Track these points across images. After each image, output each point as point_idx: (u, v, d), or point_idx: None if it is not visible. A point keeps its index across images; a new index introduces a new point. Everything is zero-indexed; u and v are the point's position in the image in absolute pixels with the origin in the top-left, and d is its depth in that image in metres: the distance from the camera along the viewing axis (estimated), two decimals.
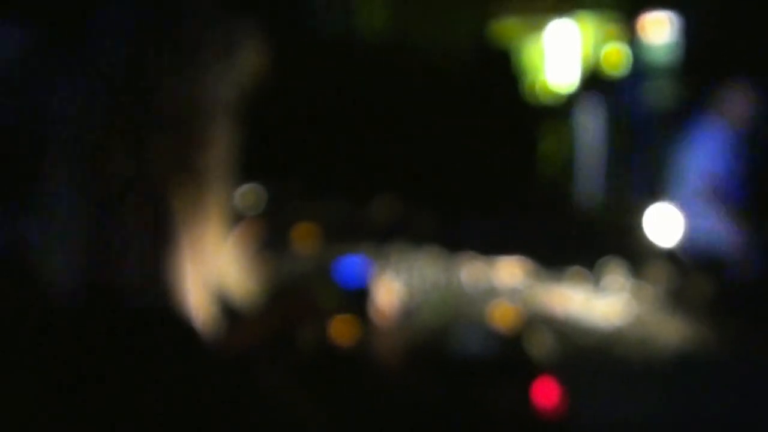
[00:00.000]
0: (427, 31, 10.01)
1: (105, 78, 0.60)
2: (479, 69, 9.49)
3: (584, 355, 5.63)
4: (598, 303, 6.55)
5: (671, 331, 6.02)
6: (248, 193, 6.73)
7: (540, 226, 8.08)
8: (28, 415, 0.51)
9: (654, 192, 6.75)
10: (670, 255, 6.28)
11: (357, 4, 10.48)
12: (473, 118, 8.86)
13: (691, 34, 9.35)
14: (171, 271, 0.60)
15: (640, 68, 9.61)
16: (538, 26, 10.82)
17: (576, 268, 7.09)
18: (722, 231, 6.04)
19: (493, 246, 7.19)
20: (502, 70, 9.62)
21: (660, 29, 9.61)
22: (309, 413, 0.56)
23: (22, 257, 0.57)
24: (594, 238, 7.68)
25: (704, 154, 6.06)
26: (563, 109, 9.91)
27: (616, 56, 9.91)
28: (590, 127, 9.45)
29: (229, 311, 0.71)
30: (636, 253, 6.68)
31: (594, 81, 9.85)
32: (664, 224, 6.21)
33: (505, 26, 10.64)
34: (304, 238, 6.59)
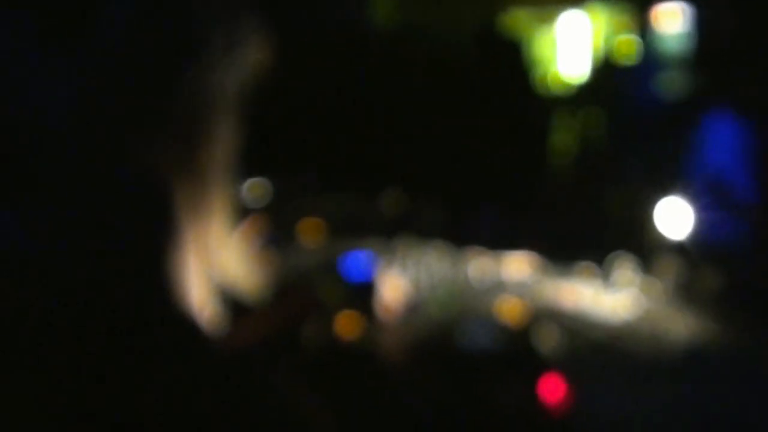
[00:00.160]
0: (435, 22, 9.99)
1: (105, 76, 0.59)
2: (488, 61, 9.47)
3: (592, 349, 5.62)
4: (607, 298, 6.53)
5: (680, 325, 6.00)
6: (254, 187, 6.75)
7: (549, 221, 8.07)
8: (28, 415, 0.51)
9: (664, 185, 6.72)
10: (679, 248, 6.26)
11: None
12: (481, 111, 8.84)
13: (704, 25, 9.29)
14: (175, 267, 0.59)
15: (652, 59, 9.57)
16: (549, 17, 10.79)
17: (585, 263, 7.07)
18: (732, 224, 6.01)
19: (500, 241, 7.18)
20: (512, 63, 9.59)
21: (673, 20, 9.56)
22: (313, 412, 0.56)
23: (22, 256, 0.56)
24: (603, 232, 7.66)
25: (715, 146, 6.02)
26: (574, 100, 9.87)
27: (627, 47, 9.87)
28: (601, 119, 9.42)
29: (233, 308, 0.71)
30: (645, 248, 6.66)
31: (605, 72, 9.82)
32: (674, 218, 6.19)
33: (515, 17, 10.62)
34: (310, 233, 6.60)
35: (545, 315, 5.57)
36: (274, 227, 5.67)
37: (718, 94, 6.14)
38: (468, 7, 10.27)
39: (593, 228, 7.95)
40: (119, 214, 0.57)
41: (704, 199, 6.05)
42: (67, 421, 0.49)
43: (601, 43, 10.47)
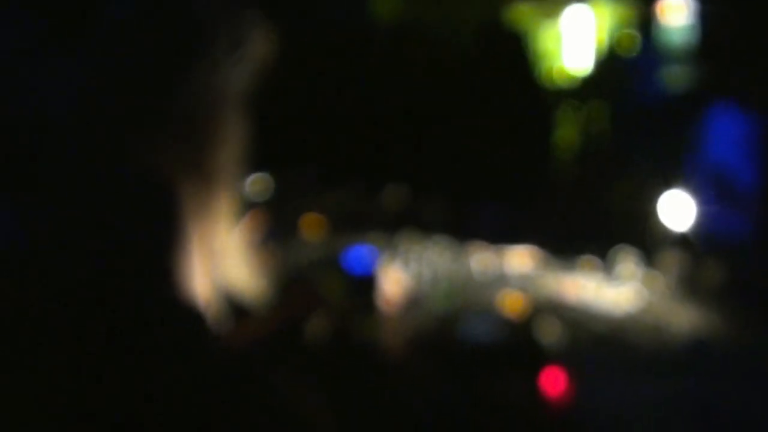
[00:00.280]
0: (440, 18, 9.94)
1: (106, 75, 0.59)
2: (492, 56, 9.43)
3: (594, 342, 5.61)
4: (610, 291, 6.52)
5: (682, 318, 5.99)
6: (256, 182, 6.74)
7: (551, 215, 8.05)
8: (28, 415, 0.51)
9: (667, 179, 6.70)
10: (682, 241, 6.25)
11: None
12: (484, 107, 8.82)
13: (709, 18, 9.25)
14: (177, 267, 0.59)
15: (656, 53, 9.53)
16: (553, 12, 10.75)
17: (587, 257, 7.06)
18: (735, 218, 5.99)
19: (503, 235, 7.17)
20: (516, 57, 9.56)
21: (678, 13, 9.52)
22: (314, 411, 0.56)
23: (22, 256, 0.56)
24: (606, 226, 7.64)
25: (719, 140, 6.01)
26: (578, 94, 9.84)
27: (631, 40, 9.83)
28: (604, 113, 9.39)
29: (237, 307, 0.71)
30: (648, 241, 6.64)
31: (610, 66, 9.79)
32: (677, 211, 6.17)
33: (519, 12, 10.58)
34: (312, 229, 6.60)
35: (547, 308, 5.57)
36: (276, 222, 5.67)
37: (722, 88, 6.12)
38: (473, 2, 10.22)
39: (596, 222, 7.93)
40: (119, 213, 0.57)
41: (707, 192, 6.04)
42: (67, 421, 0.49)
43: (605, 36, 10.43)
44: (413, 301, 4.87)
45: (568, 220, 7.93)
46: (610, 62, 10.04)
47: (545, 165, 9.48)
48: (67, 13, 0.56)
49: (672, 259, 6.55)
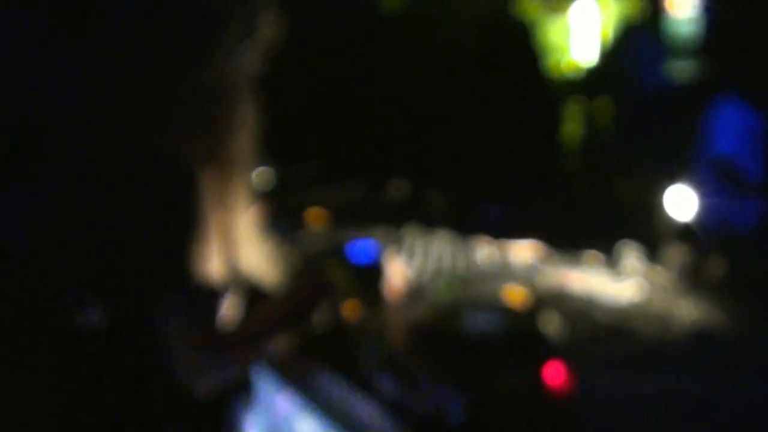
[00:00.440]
0: (446, 10, 9.91)
1: (109, 74, 0.59)
2: (500, 49, 9.40)
3: (597, 335, 5.62)
4: (613, 285, 6.52)
5: (685, 312, 5.99)
6: (260, 174, 6.71)
7: (556, 209, 8.04)
8: (28, 415, 0.51)
9: (672, 173, 6.69)
10: (686, 235, 6.24)
11: None
12: (490, 101, 8.80)
13: (716, 10, 9.21)
14: (198, 255, 0.60)
15: (662, 45, 9.50)
16: (561, 5, 10.71)
17: (591, 251, 7.05)
18: (740, 211, 5.98)
19: (507, 229, 7.17)
20: (523, 50, 9.53)
21: (684, 5, 9.49)
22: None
23: (21, 256, 0.56)
24: (611, 220, 7.63)
25: (724, 133, 5.99)
26: (584, 87, 9.82)
27: (638, 33, 9.80)
28: (610, 107, 9.37)
29: (254, 291, 0.71)
30: (652, 236, 6.64)
31: (617, 58, 9.76)
32: (681, 204, 6.17)
33: (527, 5, 10.54)
34: (316, 222, 6.60)
35: (551, 301, 5.57)
36: (281, 213, 5.68)
37: (728, 81, 6.09)
38: None
39: (600, 216, 7.93)
40: (119, 213, 0.57)
41: (712, 185, 6.03)
42: (67, 421, 0.49)
43: (613, 29, 10.39)
44: (417, 294, 4.87)
45: (572, 215, 7.92)
46: (616, 55, 10.00)
47: (550, 159, 9.46)
48: (67, 14, 0.57)
49: (676, 253, 6.54)
